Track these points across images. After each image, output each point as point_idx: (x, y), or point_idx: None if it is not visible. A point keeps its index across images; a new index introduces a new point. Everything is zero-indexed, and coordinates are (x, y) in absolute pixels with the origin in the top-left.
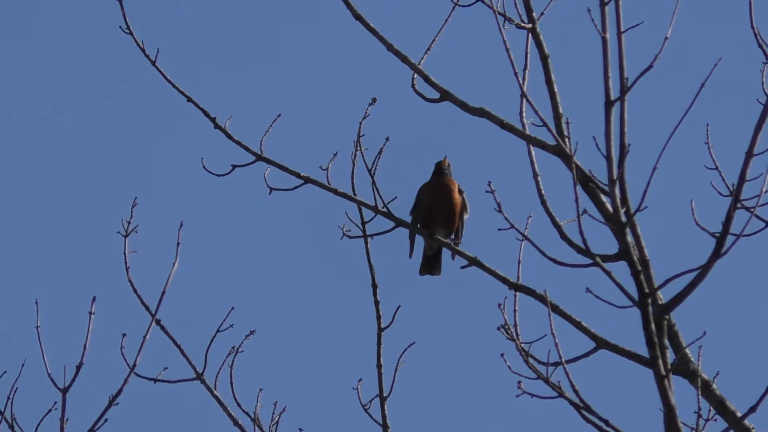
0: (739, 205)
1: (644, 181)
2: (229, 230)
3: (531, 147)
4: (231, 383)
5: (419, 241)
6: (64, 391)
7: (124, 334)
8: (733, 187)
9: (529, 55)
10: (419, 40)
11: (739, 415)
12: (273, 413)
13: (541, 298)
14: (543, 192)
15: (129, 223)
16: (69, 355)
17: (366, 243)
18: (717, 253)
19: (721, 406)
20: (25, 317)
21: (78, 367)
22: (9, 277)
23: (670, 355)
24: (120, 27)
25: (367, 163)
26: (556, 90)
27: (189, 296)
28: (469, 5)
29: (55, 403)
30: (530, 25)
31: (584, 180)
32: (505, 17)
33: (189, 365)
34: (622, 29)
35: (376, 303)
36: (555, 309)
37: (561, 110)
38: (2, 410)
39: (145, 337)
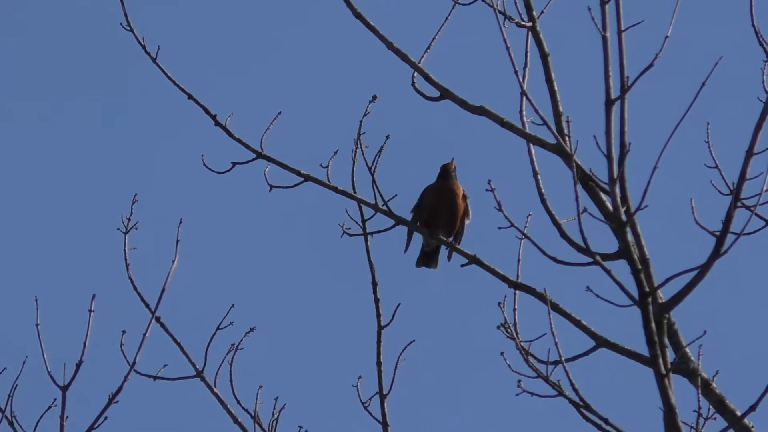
0: (739, 204)
1: (644, 180)
2: (229, 228)
3: (531, 145)
4: (231, 381)
5: (417, 237)
6: (64, 388)
7: (123, 332)
8: (733, 185)
9: (529, 54)
10: (419, 39)
11: (738, 413)
12: (273, 411)
13: (541, 297)
14: (543, 190)
15: (129, 220)
16: (69, 352)
17: (366, 241)
18: (717, 252)
19: (720, 405)
20: (25, 315)
21: (78, 365)
22: (9, 275)
23: (670, 354)
24: (120, 24)
25: (368, 161)
26: (556, 88)
27: (189, 294)
28: (469, 3)
29: (55, 400)
30: (530, 24)
31: (584, 179)
32: (505, 16)
33: (189, 363)
34: (623, 28)
35: (376, 301)
36: (555, 307)
37: (561, 109)
38: (2, 408)
39: (144, 334)
